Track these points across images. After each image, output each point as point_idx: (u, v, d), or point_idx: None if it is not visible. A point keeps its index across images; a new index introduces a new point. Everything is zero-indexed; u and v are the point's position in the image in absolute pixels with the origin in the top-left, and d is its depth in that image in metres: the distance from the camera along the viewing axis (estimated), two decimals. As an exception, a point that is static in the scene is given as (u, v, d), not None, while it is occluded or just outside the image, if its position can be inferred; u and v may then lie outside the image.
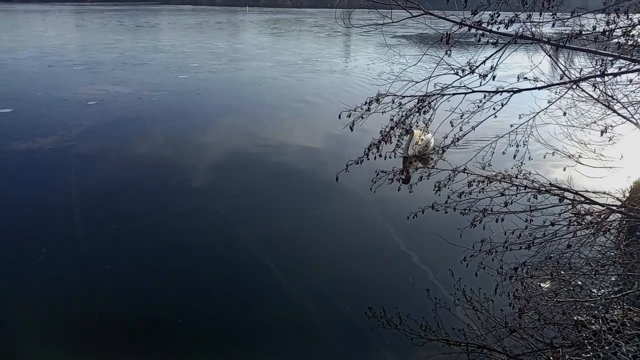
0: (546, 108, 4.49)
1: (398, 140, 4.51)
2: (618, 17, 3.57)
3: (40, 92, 18.13)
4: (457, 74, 3.96)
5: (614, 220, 4.64)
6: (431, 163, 4.68)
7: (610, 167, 6.09)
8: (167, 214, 8.74)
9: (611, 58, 3.80)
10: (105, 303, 6.25)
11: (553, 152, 5.88)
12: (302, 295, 6.45)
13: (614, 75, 4.02)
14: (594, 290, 4.77)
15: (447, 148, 4.43)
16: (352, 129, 4.34)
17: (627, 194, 6.52)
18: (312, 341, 5.83)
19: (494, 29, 3.71)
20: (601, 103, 5.43)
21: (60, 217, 8.49)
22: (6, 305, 6.19)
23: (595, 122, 6.04)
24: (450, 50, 3.90)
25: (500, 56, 3.80)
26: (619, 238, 5.32)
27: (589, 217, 4.34)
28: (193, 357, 5.59)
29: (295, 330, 5.96)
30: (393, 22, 4.14)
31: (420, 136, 11.60)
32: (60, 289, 6.55)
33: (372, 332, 5.79)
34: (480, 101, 4.12)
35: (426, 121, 4.31)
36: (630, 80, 4.57)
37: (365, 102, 4.23)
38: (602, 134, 4.46)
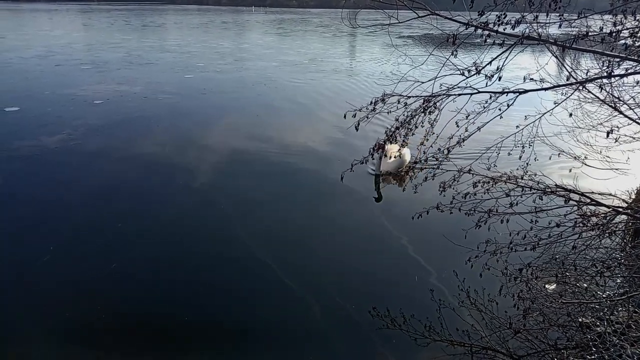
0: (552, 109, 4.49)
1: (404, 141, 4.52)
2: (625, 18, 3.56)
3: (47, 91, 18.23)
4: (463, 74, 3.97)
5: (619, 222, 4.63)
6: (436, 164, 4.68)
7: (617, 169, 6.08)
8: (171, 213, 8.77)
9: (618, 59, 3.79)
10: (110, 301, 6.28)
11: (559, 154, 5.89)
12: (304, 295, 6.46)
13: (621, 76, 4.01)
14: (599, 292, 4.75)
15: (453, 148, 4.43)
16: (357, 129, 4.36)
17: (633, 196, 6.50)
18: (315, 340, 5.83)
19: (501, 29, 3.70)
20: (607, 104, 5.42)
21: (67, 215, 8.55)
22: (14, 302, 6.24)
23: (601, 123, 6.03)
24: (456, 51, 3.90)
25: (507, 57, 3.80)
26: (624, 240, 5.31)
27: (594, 219, 4.33)
28: (195, 355, 5.60)
29: (298, 330, 5.97)
30: (399, 22, 4.15)
31: (393, 151, 10.24)
32: (68, 286, 6.58)
33: (375, 332, 5.79)
34: (486, 102, 4.12)
35: (432, 121, 4.31)
36: (637, 82, 4.55)
37: (371, 102, 4.25)
38: (608, 136, 4.46)
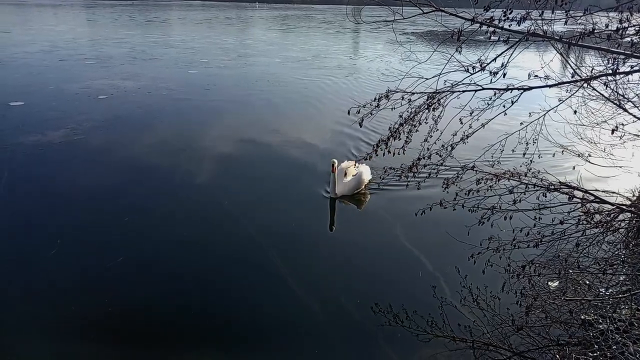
0: (557, 106, 4.48)
1: (407, 137, 4.52)
2: (631, 15, 3.54)
3: (52, 86, 18.27)
4: (467, 71, 3.97)
5: (623, 220, 4.63)
6: (439, 161, 4.68)
7: (621, 166, 6.08)
8: (175, 208, 8.80)
9: (623, 57, 3.78)
10: (117, 295, 6.31)
11: (563, 151, 5.88)
12: (307, 291, 6.48)
13: (626, 74, 4.01)
14: (602, 290, 4.76)
15: (456, 145, 4.44)
16: (361, 125, 4.38)
17: (637, 193, 6.49)
18: (316, 338, 5.84)
19: (506, 26, 3.70)
20: (612, 102, 5.42)
21: (73, 209, 8.58)
22: (21, 296, 6.28)
23: (605, 120, 6.03)
24: (461, 47, 3.90)
25: (511, 54, 3.80)
26: (628, 237, 5.30)
27: (598, 216, 4.33)
28: (196, 353, 5.61)
29: (300, 327, 5.98)
30: (403, 18, 4.15)
31: (350, 170, 9.19)
32: (75, 280, 6.61)
33: (378, 329, 5.81)
34: (490, 99, 4.12)
35: (435, 118, 4.32)
36: (643, 79, 4.54)
37: (375, 99, 4.26)
38: (612, 133, 4.45)
